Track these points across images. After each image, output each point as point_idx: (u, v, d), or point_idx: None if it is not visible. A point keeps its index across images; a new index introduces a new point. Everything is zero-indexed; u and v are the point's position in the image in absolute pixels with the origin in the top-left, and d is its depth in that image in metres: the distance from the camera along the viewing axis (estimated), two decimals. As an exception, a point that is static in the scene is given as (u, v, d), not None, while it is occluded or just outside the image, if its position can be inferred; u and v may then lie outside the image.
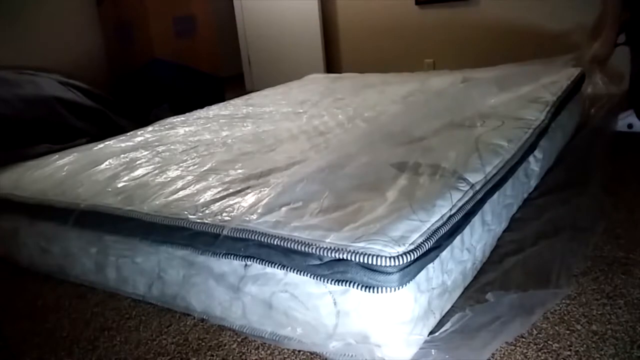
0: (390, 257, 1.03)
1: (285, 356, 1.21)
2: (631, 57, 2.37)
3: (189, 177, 1.55)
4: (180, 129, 2.22)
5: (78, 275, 1.62)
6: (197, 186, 1.47)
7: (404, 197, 1.21)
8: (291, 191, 1.30)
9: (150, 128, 2.30)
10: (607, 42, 2.40)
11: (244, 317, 1.29)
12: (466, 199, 1.27)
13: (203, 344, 1.28)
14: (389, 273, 1.04)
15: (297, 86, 2.98)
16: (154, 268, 1.42)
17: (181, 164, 1.70)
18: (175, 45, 3.31)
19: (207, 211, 1.31)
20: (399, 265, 1.03)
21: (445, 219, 1.17)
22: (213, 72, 3.57)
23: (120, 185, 1.57)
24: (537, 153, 1.84)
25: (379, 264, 1.03)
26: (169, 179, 1.57)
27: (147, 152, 1.88)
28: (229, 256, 1.24)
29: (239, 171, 1.56)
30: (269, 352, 1.23)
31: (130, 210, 1.43)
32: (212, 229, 1.26)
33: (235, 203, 1.32)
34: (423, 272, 1.12)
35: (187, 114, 2.53)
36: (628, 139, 2.48)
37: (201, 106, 2.66)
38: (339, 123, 2.03)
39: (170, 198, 1.42)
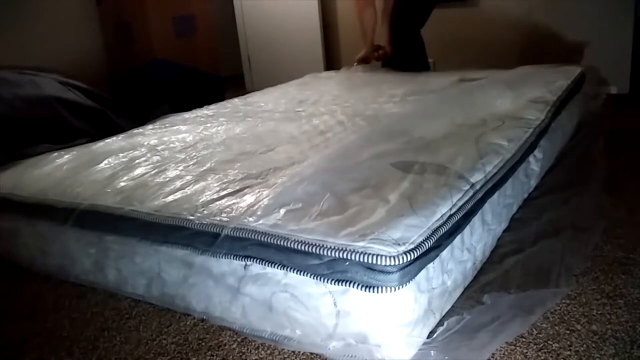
0: (390, 257, 1.03)
1: (285, 356, 1.21)
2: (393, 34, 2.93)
3: (188, 177, 1.55)
4: (180, 127, 2.22)
5: (78, 276, 1.61)
6: (196, 186, 1.47)
7: (404, 196, 1.21)
8: (291, 192, 1.30)
9: (150, 126, 2.30)
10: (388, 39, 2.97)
11: (243, 317, 1.29)
12: (466, 198, 1.27)
13: (203, 344, 1.28)
14: (389, 272, 1.04)
15: (297, 85, 2.97)
16: (154, 268, 1.42)
17: (180, 164, 1.69)
18: (175, 45, 3.31)
19: (206, 211, 1.31)
20: (399, 264, 1.03)
21: (445, 218, 1.17)
22: (213, 72, 3.56)
23: (119, 185, 1.57)
24: (537, 153, 1.84)
25: (379, 263, 1.03)
26: (167, 178, 1.56)
27: (146, 151, 1.88)
28: (229, 256, 1.24)
29: (238, 171, 1.56)
30: (269, 352, 1.23)
31: (130, 210, 1.43)
32: (212, 229, 1.26)
33: (235, 203, 1.32)
34: (423, 272, 1.12)
35: (187, 113, 2.53)
36: (628, 139, 2.49)
37: (201, 106, 2.65)
38: (338, 122, 2.03)
39: (170, 198, 1.42)
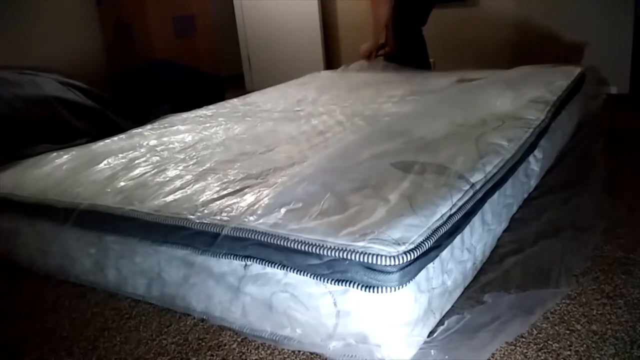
0: (390, 257, 1.03)
1: (285, 356, 1.21)
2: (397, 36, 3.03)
3: (188, 177, 1.55)
4: (179, 128, 2.22)
5: (78, 275, 1.61)
6: (196, 186, 1.47)
7: (404, 196, 1.21)
8: (291, 192, 1.30)
9: (148, 126, 2.31)
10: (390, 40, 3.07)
11: (243, 317, 1.29)
12: (466, 198, 1.27)
13: (203, 344, 1.28)
14: (389, 272, 1.04)
15: (295, 85, 2.97)
16: (154, 268, 1.42)
17: (179, 164, 1.69)
18: (175, 45, 3.31)
19: (206, 211, 1.31)
20: (399, 264, 1.03)
21: (445, 218, 1.17)
22: (213, 72, 3.56)
23: (119, 185, 1.57)
24: (537, 153, 1.84)
25: (379, 263, 1.03)
26: (167, 178, 1.57)
27: (145, 151, 1.88)
28: (229, 256, 1.24)
29: (238, 171, 1.56)
30: (269, 352, 1.23)
31: (130, 210, 1.43)
32: (212, 229, 1.26)
33: (235, 203, 1.32)
34: (423, 272, 1.12)
35: (186, 112, 2.53)
36: (628, 139, 2.49)
37: (201, 106, 2.65)
38: (337, 122, 2.03)
39: (170, 198, 1.42)
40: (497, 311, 1.22)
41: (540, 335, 1.19)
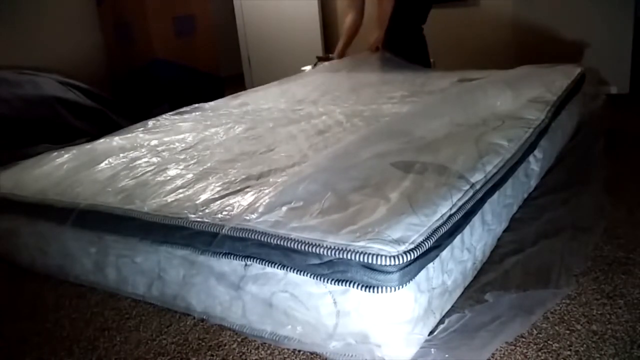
0: (390, 257, 1.03)
1: (285, 356, 1.21)
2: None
3: (189, 176, 1.55)
4: (179, 127, 2.22)
5: (78, 275, 1.61)
6: (197, 185, 1.47)
7: (404, 196, 1.21)
8: (292, 191, 1.30)
9: (150, 124, 2.31)
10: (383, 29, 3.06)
11: (244, 317, 1.29)
12: (466, 198, 1.27)
13: (203, 344, 1.28)
14: (389, 272, 1.04)
15: (295, 83, 2.97)
16: (154, 268, 1.42)
17: (180, 163, 1.69)
18: (175, 45, 3.31)
19: (207, 210, 1.31)
20: (399, 264, 1.03)
21: (445, 218, 1.17)
22: (213, 72, 3.57)
23: (119, 184, 1.57)
24: (537, 153, 1.84)
25: (379, 263, 1.03)
26: (168, 177, 1.57)
27: (146, 151, 1.88)
28: (229, 256, 1.24)
29: (238, 171, 1.56)
30: (269, 352, 1.23)
31: (130, 209, 1.43)
32: (212, 229, 1.26)
33: (235, 202, 1.32)
34: (423, 272, 1.12)
35: (185, 112, 2.53)
36: (628, 139, 2.49)
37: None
38: (337, 122, 2.03)
39: (170, 197, 1.42)
40: (497, 311, 1.22)
41: (540, 335, 1.19)
